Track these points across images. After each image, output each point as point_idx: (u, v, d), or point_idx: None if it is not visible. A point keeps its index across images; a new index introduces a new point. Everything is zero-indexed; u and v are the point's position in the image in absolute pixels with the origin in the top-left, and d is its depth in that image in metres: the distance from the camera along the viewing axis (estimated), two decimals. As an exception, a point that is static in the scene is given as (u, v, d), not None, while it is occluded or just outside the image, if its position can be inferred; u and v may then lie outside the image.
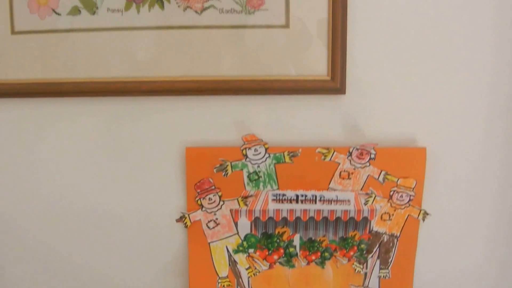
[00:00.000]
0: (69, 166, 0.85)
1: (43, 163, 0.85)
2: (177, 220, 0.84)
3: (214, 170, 0.81)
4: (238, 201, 0.82)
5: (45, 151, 0.85)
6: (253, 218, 0.83)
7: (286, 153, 0.81)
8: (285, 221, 0.83)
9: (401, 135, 0.82)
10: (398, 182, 0.81)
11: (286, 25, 0.80)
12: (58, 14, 0.81)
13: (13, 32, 0.82)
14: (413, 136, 0.82)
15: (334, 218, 0.83)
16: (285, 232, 0.84)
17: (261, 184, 0.82)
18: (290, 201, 0.82)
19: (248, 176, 0.82)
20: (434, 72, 0.81)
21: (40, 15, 0.81)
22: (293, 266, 0.85)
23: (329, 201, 0.82)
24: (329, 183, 0.82)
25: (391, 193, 0.82)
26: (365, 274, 0.85)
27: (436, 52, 0.80)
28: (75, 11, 0.81)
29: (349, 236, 0.84)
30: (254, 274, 0.85)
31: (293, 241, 0.84)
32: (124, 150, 0.84)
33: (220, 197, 0.82)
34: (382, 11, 0.79)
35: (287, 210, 0.83)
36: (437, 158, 0.82)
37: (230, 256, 0.85)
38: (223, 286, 0.85)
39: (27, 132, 0.84)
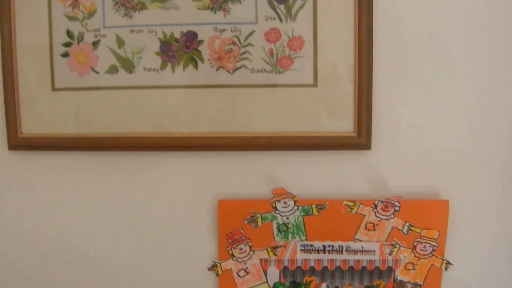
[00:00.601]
0: (105, 217, 0.89)
1: (78, 215, 0.89)
2: (209, 269, 0.87)
3: (245, 222, 0.85)
4: (267, 251, 0.86)
5: (81, 202, 0.89)
6: (282, 267, 0.87)
7: (314, 206, 0.84)
8: (312, 270, 0.87)
9: (425, 188, 0.86)
10: (422, 233, 0.84)
11: (314, 84, 0.83)
12: (97, 72, 0.85)
13: (53, 88, 0.87)
14: (436, 189, 0.86)
15: (360, 267, 0.86)
16: (312, 280, 0.87)
17: (290, 235, 0.85)
18: (318, 251, 0.85)
19: (278, 228, 0.85)
20: (456, 127, 0.84)
21: (79, 73, 0.86)
22: (319, 313, 0.88)
23: (355, 251, 0.85)
24: (355, 234, 0.85)
25: (415, 243, 0.85)
26: (389, 320, 0.88)
27: (457, 108, 0.83)
28: (113, 69, 0.85)
29: (374, 285, 0.87)
30: (281, 320, 0.89)
31: (320, 289, 0.88)
32: (159, 201, 0.88)
33: (250, 247, 0.86)
34: (406, 70, 0.83)
35: (315, 260, 0.86)
36: (459, 210, 0.85)
37: (259, 303, 0.88)
38: (252, 331, 0.89)
39: (65, 183, 0.89)
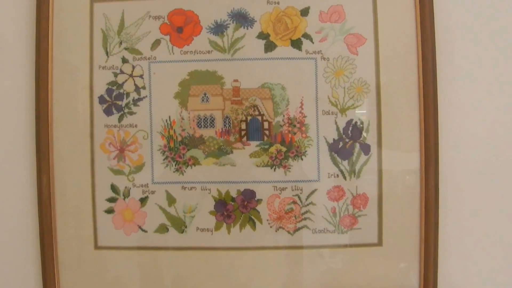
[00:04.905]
0: None
1: None
2: None
3: None
4: None
5: None
6: None
7: None
8: None
9: None
10: None
11: (379, 243, 0.79)
12: (145, 231, 0.79)
13: (96, 247, 0.80)
14: None
15: None
16: None
17: None
18: None
19: None
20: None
21: (125, 231, 0.79)
22: None
23: None
24: None
25: None
26: None
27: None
28: (162, 229, 0.79)
29: None
30: None
31: None
32: None
33: None
34: (470, 229, 0.80)
35: None
36: None
37: None
38: None
39: None
